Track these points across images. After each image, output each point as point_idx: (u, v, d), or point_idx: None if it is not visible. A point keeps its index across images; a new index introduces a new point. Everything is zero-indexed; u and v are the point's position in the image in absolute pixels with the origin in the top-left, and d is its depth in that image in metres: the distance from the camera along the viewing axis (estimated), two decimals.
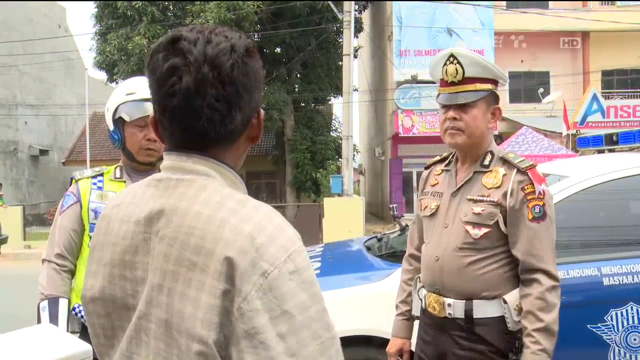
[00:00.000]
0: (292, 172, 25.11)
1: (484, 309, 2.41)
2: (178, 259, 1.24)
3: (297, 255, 1.22)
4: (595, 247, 3.60)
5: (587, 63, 24.83)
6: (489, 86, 2.46)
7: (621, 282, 3.38)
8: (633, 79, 25.52)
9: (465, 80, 2.42)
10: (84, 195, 2.61)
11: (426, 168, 2.79)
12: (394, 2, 23.30)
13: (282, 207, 25.41)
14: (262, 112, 1.40)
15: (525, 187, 2.38)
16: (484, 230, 2.39)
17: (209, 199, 1.27)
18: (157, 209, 1.30)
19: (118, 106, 2.54)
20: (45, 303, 2.51)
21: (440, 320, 2.49)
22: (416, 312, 2.71)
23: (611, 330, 3.36)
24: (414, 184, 23.17)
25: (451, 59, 2.43)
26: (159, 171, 1.37)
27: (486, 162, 2.47)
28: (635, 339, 3.36)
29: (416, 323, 2.76)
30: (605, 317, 3.36)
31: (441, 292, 2.48)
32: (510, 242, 2.41)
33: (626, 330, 3.36)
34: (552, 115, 21.26)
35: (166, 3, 22.83)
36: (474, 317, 2.42)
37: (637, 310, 3.36)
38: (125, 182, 2.61)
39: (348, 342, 3.43)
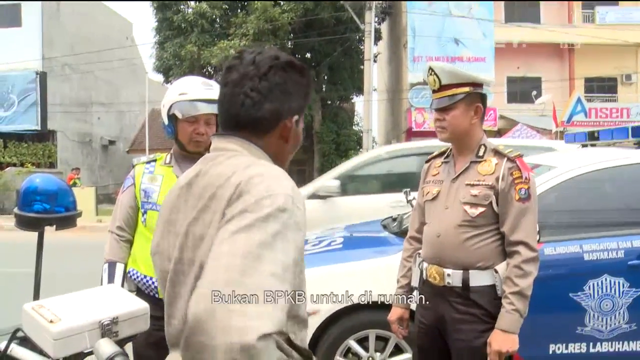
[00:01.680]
0: (319, 160, 25.13)
1: (478, 278, 2.44)
2: (200, 207, 1.31)
3: (279, 197, 1.19)
4: (578, 227, 3.59)
5: (572, 71, 24.66)
6: (466, 89, 2.48)
7: (598, 258, 3.39)
8: (610, 85, 25.53)
9: (443, 87, 2.48)
10: (137, 178, 2.64)
11: (427, 162, 2.81)
12: (408, 14, 23.11)
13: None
14: (300, 121, 1.44)
15: (514, 172, 2.41)
16: (480, 209, 2.43)
17: (233, 163, 1.34)
18: (194, 174, 1.39)
19: (172, 104, 2.54)
20: (105, 266, 2.58)
21: (440, 288, 2.51)
22: (415, 283, 2.72)
23: (588, 298, 3.38)
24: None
25: (430, 71, 2.51)
26: None
27: (480, 154, 2.51)
28: (607, 305, 3.38)
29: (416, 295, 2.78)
30: (584, 287, 3.38)
31: (441, 263, 2.50)
32: (500, 219, 2.44)
33: (600, 297, 3.38)
34: (544, 115, 21.04)
35: (214, 16, 22.86)
36: (470, 285, 2.45)
37: (610, 281, 3.38)
38: (172, 167, 2.61)
39: (365, 307, 3.49)
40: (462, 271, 2.45)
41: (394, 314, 2.78)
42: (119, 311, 1.91)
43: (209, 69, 23.20)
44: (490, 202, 2.42)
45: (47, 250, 2.31)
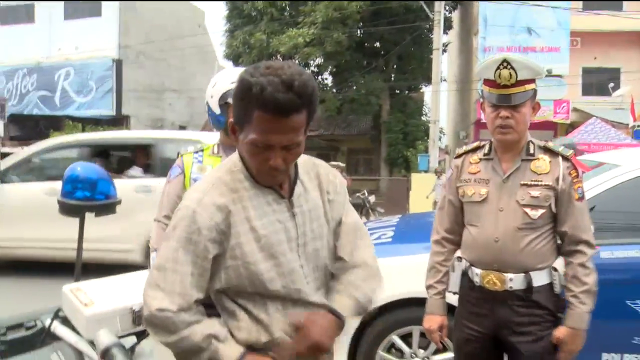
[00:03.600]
0: (386, 149, 25.05)
1: (539, 278, 2.37)
2: None
3: (182, 210, 1.56)
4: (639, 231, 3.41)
5: None
6: (533, 85, 2.35)
7: None
8: None
9: (518, 82, 2.31)
10: (187, 168, 2.61)
11: (458, 157, 2.62)
12: (480, 2, 22.53)
13: (377, 180, 25.37)
14: (244, 134, 1.52)
15: (571, 172, 2.36)
16: (541, 211, 2.34)
17: None
18: None
19: (225, 92, 2.52)
20: (154, 254, 2.56)
21: (500, 293, 2.41)
22: (455, 289, 2.59)
23: None
24: None
25: (505, 63, 2.30)
26: None
27: (532, 151, 2.40)
28: None
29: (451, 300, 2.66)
30: None
31: (501, 269, 2.39)
32: (560, 219, 2.37)
33: None
34: (620, 108, 20.03)
35: (283, 4, 23.06)
36: (533, 285, 2.37)
37: None
38: (221, 157, 2.60)
39: (410, 303, 3.42)
40: (523, 274, 2.37)
41: (433, 322, 2.60)
42: None
43: (278, 57, 23.46)
44: (550, 203, 2.35)
45: None
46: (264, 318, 1.59)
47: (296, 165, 1.66)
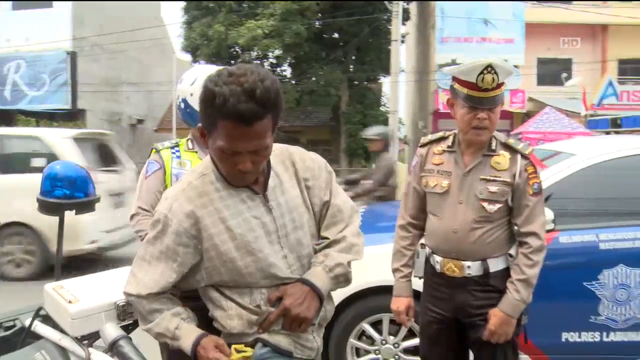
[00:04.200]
0: (345, 140, 25.12)
1: (496, 264, 2.50)
2: None
3: (156, 215, 1.67)
4: (595, 216, 3.59)
5: (605, 52, 24.11)
6: (504, 85, 2.47)
7: (615, 247, 3.40)
8: None
9: (497, 85, 2.39)
10: (167, 163, 2.60)
11: (422, 146, 2.69)
12: None
13: (337, 171, 25.46)
14: (212, 138, 1.57)
15: (528, 169, 2.47)
16: (498, 205, 2.47)
17: None
18: None
19: (185, 100, 2.58)
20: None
21: (459, 279, 2.53)
22: (419, 273, 2.72)
23: (603, 287, 3.39)
24: None
25: (489, 68, 2.34)
26: None
27: (493, 147, 2.50)
28: (622, 294, 3.39)
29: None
30: (598, 276, 3.39)
31: (459, 257, 2.52)
32: (514, 213, 2.50)
33: (615, 287, 3.38)
34: (573, 98, 20.62)
35: None
36: (490, 271, 2.50)
37: (626, 271, 3.37)
38: (196, 152, 2.61)
39: (380, 291, 3.52)
40: (480, 261, 2.50)
41: (401, 304, 2.71)
42: None
43: (236, 49, 23.26)
44: (507, 199, 2.48)
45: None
46: (248, 304, 1.66)
47: (268, 159, 1.69)
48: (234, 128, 1.49)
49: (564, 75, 22.55)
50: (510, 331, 2.45)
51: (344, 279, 1.80)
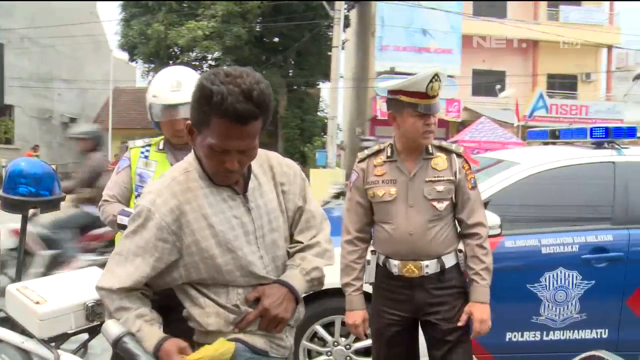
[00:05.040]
0: (283, 145, 25.16)
1: (448, 261, 2.66)
2: None
3: (137, 208, 1.67)
4: (538, 222, 3.78)
5: (536, 66, 25.22)
6: None
7: (555, 251, 3.61)
8: (571, 83, 26.26)
9: (438, 92, 2.61)
10: (133, 162, 2.66)
11: (361, 161, 2.80)
12: (378, 2, 23.20)
13: None
14: (203, 136, 1.61)
15: (464, 166, 2.69)
16: (445, 203, 2.64)
17: None
18: None
19: (148, 104, 2.63)
20: (123, 212, 2.49)
21: (417, 279, 2.64)
22: (370, 279, 2.79)
23: (544, 289, 3.59)
24: None
25: (435, 77, 2.52)
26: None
27: (430, 151, 2.68)
28: (560, 296, 3.60)
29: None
30: (540, 279, 3.58)
31: (417, 258, 2.63)
32: (458, 208, 2.70)
33: (555, 289, 3.59)
34: (506, 109, 21.48)
35: None
36: (445, 268, 2.64)
37: (565, 273, 3.59)
38: (165, 153, 2.66)
39: (331, 294, 3.51)
40: (436, 259, 2.64)
41: (357, 317, 2.76)
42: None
43: (175, 49, 22.94)
44: (452, 196, 2.66)
45: None
46: (225, 303, 1.69)
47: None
48: (229, 126, 1.53)
49: (498, 86, 23.43)
50: (488, 317, 2.63)
51: (318, 283, 1.86)
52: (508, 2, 25.34)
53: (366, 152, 2.82)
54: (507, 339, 3.64)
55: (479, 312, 2.61)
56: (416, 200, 2.63)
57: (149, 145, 2.72)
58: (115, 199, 2.64)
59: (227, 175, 1.65)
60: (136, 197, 2.63)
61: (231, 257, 1.67)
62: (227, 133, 1.55)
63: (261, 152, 1.85)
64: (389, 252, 2.72)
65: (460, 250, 2.71)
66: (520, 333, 3.65)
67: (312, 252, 1.85)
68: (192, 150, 1.73)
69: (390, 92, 2.65)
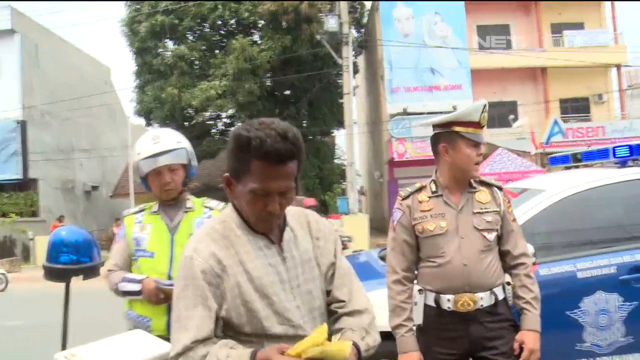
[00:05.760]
0: (304, 195, 25.22)
1: (499, 294, 2.67)
2: None
3: (181, 261, 1.70)
4: (571, 247, 3.74)
5: (547, 93, 25.19)
6: None
7: (591, 275, 3.56)
8: (583, 106, 26.11)
9: None
10: (128, 229, 2.80)
11: (404, 198, 2.82)
12: (384, 47, 23.54)
13: None
14: (241, 184, 1.68)
15: (505, 199, 2.77)
16: (494, 233, 2.68)
17: None
18: None
19: (136, 163, 2.80)
20: (124, 283, 2.67)
21: (472, 313, 2.63)
22: (420, 320, 2.74)
23: (585, 314, 3.52)
24: None
25: (485, 107, 2.68)
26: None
27: (473, 185, 2.76)
28: (603, 320, 3.53)
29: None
30: (579, 304, 3.52)
31: (472, 290, 2.63)
32: (503, 240, 2.74)
33: (596, 313, 3.52)
34: (522, 138, 21.42)
35: (193, 58, 23.13)
36: (498, 300, 2.65)
37: (605, 296, 3.53)
38: (160, 214, 2.80)
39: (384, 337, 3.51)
40: (489, 291, 2.65)
41: (413, 359, 2.68)
42: (147, 355, 2.04)
43: (190, 110, 23.37)
44: (499, 227, 2.71)
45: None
46: None
47: (284, 215, 1.80)
48: (269, 167, 1.60)
49: (511, 117, 23.44)
50: (539, 345, 2.64)
51: (369, 355, 1.81)
52: (512, 30, 25.60)
53: (408, 189, 2.86)
54: None
55: (531, 340, 2.61)
56: (466, 232, 2.66)
57: (142, 210, 2.87)
58: (118, 267, 2.78)
59: (269, 219, 1.70)
60: (134, 261, 2.77)
61: (267, 303, 1.69)
62: (268, 174, 1.61)
63: (299, 210, 1.92)
64: (441, 287, 2.69)
65: (509, 283, 2.72)
66: None
67: (366, 322, 1.81)
68: (230, 204, 1.79)
69: (440, 125, 2.74)
